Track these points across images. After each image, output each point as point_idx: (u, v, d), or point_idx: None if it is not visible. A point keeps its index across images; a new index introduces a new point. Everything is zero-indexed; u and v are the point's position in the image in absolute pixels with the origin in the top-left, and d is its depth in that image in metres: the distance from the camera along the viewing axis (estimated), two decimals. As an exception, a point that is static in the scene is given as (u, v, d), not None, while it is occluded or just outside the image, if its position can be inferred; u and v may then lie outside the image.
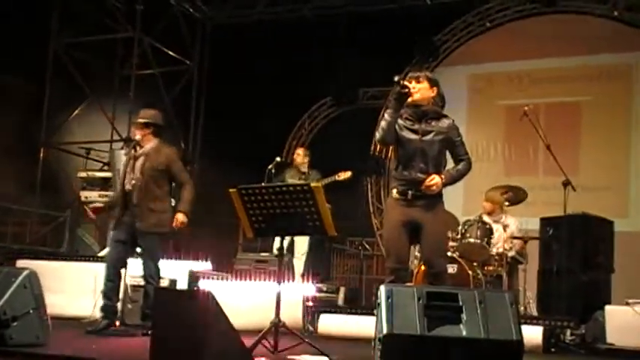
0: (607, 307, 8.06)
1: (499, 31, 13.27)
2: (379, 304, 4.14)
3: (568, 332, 8.21)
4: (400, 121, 5.55)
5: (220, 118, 13.52)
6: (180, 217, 7.14)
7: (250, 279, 9.18)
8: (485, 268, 8.80)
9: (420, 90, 5.57)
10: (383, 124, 5.51)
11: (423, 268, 8.16)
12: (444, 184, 5.52)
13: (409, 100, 5.51)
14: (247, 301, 7.83)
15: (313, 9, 13.40)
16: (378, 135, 5.62)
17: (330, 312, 8.56)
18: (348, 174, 9.52)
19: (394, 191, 5.63)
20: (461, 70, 13.31)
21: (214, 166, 12.86)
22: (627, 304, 7.94)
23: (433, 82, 5.69)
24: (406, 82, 5.47)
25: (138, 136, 7.32)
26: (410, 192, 5.51)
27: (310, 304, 8.55)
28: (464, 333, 4.01)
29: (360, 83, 13.68)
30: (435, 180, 5.44)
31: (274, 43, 13.06)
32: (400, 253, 5.55)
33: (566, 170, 8.74)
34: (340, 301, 9.75)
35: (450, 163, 5.73)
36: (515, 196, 9.37)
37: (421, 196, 5.50)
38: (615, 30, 12.26)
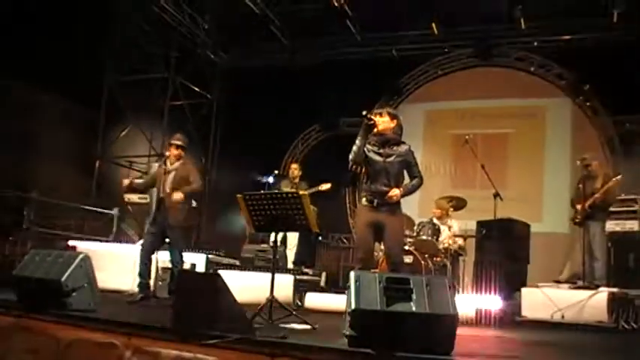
0: (523, 289, 8.23)
1: (449, 77, 13.34)
2: (349, 286, 4.14)
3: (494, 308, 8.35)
4: (368, 146, 5.60)
5: (232, 140, 13.53)
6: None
7: (253, 265, 9.26)
8: (434, 259, 8.81)
9: (383, 122, 5.62)
10: (354, 147, 5.59)
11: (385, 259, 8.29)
12: (402, 196, 5.58)
13: (375, 129, 5.58)
14: (249, 281, 7.86)
15: (304, 57, 13.47)
16: (351, 156, 5.64)
17: (314, 291, 8.63)
18: (328, 185, 9.55)
19: (363, 200, 5.69)
20: (419, 106, 13.33)
21: (227, 176, 12.90)
22: (537, 286, 8.16)
23: (393, 116, 5.74)
24: (372, 116, 5.55)
25: (168, 153, 7.40)
26: (376, 200, 5.57)
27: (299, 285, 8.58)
28: (413, 308, 4.01)
29: (341, 114, 13.64)
30: (395, 192, 5.51)
31: (275, 83, 13.06)
32: (367, 247, 5.63)
33: (496, 185, 8.77)
34: (322, 283, 9.77)
35: (407, 179, 5.78)
36: (458, 204, 9.52)
37: (384, 204, 5.56)
38: (533, 81, 12.42)
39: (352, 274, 4.21)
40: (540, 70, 12.44)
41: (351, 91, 12.64)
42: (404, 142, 5.74)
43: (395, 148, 5.66)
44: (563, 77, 12.16)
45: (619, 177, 8.52)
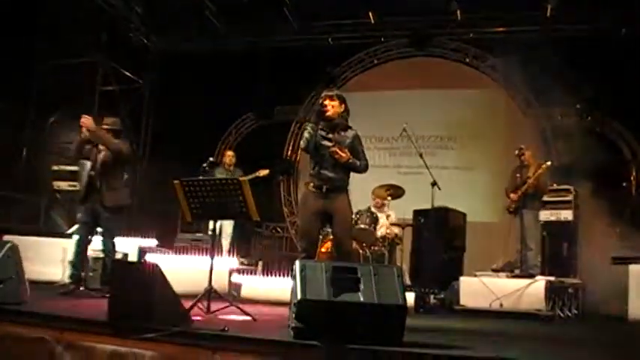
0: (461, 278, 8.30)
1: (385, 67, 13.35)
2: (295, 276, 4.05)
3: (432, 297, 8.48)
4: (318, 132, 5.49)
5: (165, 127, 13.22)
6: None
7: (188, 254, 9.08)
8: (372, 248, 8.81)
9: (333, 107, 5.55)
10: (306, 134, 5.48)
11: (324, 246, 8.22)
12: (346, 161, 5.43)
13: (324, 115, 5.50)
14: (185, 271, 7.63)
15: (239, 44, 13.25)
16: (302, 144, 5.53)
17: (250, 281, 8.51)
18: (266, 171, 9.37)
19: (311, 185, 5.56)
20: (355, 95, 12.45)
21: (159, 163, 12.48)
22: (475, 275, 8.25)
23: (342, 100, 5.66)
24: (323, 101, 5.50)
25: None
26: (325, 187, 5.46)
27: (235, 274, 8.45)
28: (361, 299, 3.95)
29: (276, 102, 13.52)
30: (344, 153, 5.40)
31: (209, 69, 12.83)
32: (311, 237, 5.52)
33: (434, 174, 8.61)
34: (259, 273, 9.63)
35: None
36: (396, 193, 9.46)
37: (333, 190, 5.46)
38: (467, 72, 12.54)
39: (297, 263, 4.14)
40: (475, 61, 12.55)
41: (287, 80, 12.69)
42: (351, 127, 5.68)
43: (343, 133, 5.60)
44: (496, 69, 12.23)
45: (548, 163, 8.64)
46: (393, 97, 12.92)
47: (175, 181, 5.52)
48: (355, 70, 13.59)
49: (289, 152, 13.63)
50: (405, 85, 12.88)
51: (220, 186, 5.45)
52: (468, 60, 12.59)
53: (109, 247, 6.96)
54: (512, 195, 8.68)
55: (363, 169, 5.64)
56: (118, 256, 7.59)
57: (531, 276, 7.91)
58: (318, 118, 5.50)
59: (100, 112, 11.25)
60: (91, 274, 7.38)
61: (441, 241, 9.32)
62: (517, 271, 8.36)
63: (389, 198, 9.43)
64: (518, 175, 8.74)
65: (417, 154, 8.58)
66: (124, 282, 4.34)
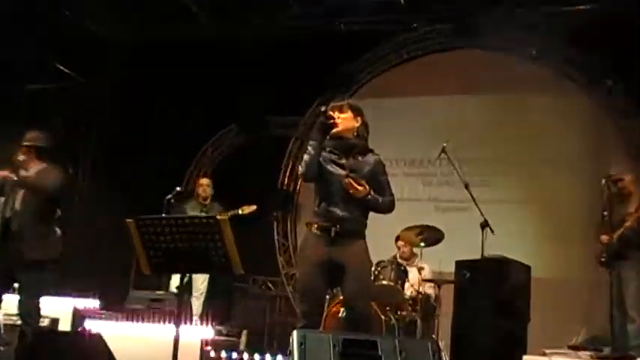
0: (524, 358, 8.02)
1: (417, 63, 13.21)
2: (291, 351, 4.05)
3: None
4: (324, 154, 5.53)
5: (115, 141, 13.24)
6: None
7: (144, 320, 8.88)
8: (399, 312, 8.77)
9: (344, 121, 5.57)
10: (306, 157, 5.53)
11: (334, 309, 8.21)
12: (364, 197, 5.42)
13: (333, 131, 5.52)
14: (141, 344, 7.51)
15: (221, 32, 13.24)
16: (301, 169, 5.58)
17: (231, 357, 8.48)
18: (252, 208, 9.51)
19: (315, 226, 5.56)
20: (375, 103, 12.26)
21: (105, 194, 12.44)
22: (545, 354, 8.02)
23: (357, 111, 5.69)
24: (330, 112, 5.50)
25: (21, 157, 7.12)
26: (333, 229, 5.45)
27: (209, 348, 8.29)
28: (383, 385, 3.94)
29: (268, 111, 13.50)
30: (362, 185, 5.37)
31: (179, 67, 12.97)
32: (316, 296, 5.52)
33: (486, 211, 8.69)
34: (242, 345, 9.61)
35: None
36: (431, 237, 9.31)
37: (345, 234, 5.45)
38: (531, 70, 12.22)
39: (295, 334, 4.16)
40: (545, 54, 12.24)
41: (283, 80, 12.63)
42: (371, 150, 5.71)
43: (361, 158, 5.62)
44: (578, 66, 12.03)
45: None
46: (429, 105, 12.78)
47: (128, 220, 5.35)
48: (376, 67, 13.51)
49: (286, 180, 13.50)
50: (446, 90, 12.66)
51: (191, 226, 5.28)
52: (534, 53, 12.24)
53: (29, 311, 6.88)
54: (603, 238, 8.48)
55: (386, 206, 5.66)
56: (44, 322, 7.56)
57: (631, 358, 7.70)
58: (322, 135, 5.52)
59: (27, 121, 11.32)
60: (2, 348, 7.30)
61: (494, 304, 8.98)
62: (607, 350, 8.16)
63: (422, 244, 9.34)
64: (606, 211, 8.50)
65: (462, 184, 8.63)
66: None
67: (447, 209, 11.98)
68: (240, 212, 9.42)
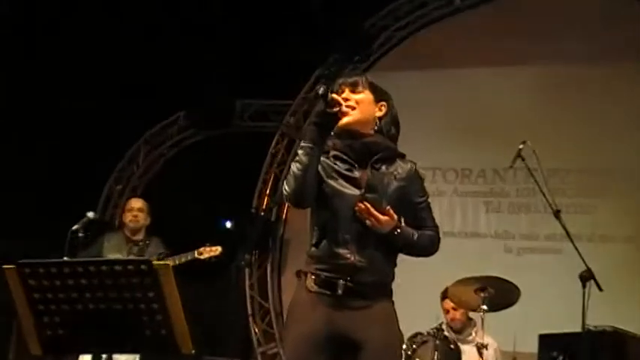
0: None
1: (456, 21, 13.32)
2: None
3: None
4: (327, 161, 5.06)
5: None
6: None
7: None
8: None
9: (359, 106, 5.03)
10: (294, 167, 4.98)
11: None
12: (392, 231, 5.01)
13: (339, 124, 5.00)
14: None
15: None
16: (288, 187, 5.03)
17: None
18: (216, 250, 9.28)
19: (311, 278, 5.08)
20: (401, 78, 12.65)
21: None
22: None
23: (379, 92, 5.20)
24: (334, 95, 4.92)
25: None
26: (340, 282, 4.97)
27: None
28: None
29: (241, 91, 13.41)
30: (387, 213, 4.94)
31: (102, 19, 12.57)
32: None
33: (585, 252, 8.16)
34: None
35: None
36: (501, 297, 8.76)
37: (359, 293, 5.00)
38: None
39: None
40: None
41: (261, 47, 12.63)
42: (403, 156, 5.25)
43: (385, 168, 5.10)
44: None
45: None
46: (488, 82, 12.45)
47: (6, 267, 4.93)
48: (405, 26, 13.43)
49: (264, 202, 13.34)
50: (512, 59, 12.48)
51: (112, 277, 4.90)
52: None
53: None
54: None
55: (427, 246, 5.26)
56: None
57: None
58: (322, 132, 4.92)
59: None
60: None
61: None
62: None
63: (484, 307, 8.69)
64: None
65: (549, 210, 8.23)
66: None
67: (525, 250, 11.83)
68: (196, 256, 9.23)
